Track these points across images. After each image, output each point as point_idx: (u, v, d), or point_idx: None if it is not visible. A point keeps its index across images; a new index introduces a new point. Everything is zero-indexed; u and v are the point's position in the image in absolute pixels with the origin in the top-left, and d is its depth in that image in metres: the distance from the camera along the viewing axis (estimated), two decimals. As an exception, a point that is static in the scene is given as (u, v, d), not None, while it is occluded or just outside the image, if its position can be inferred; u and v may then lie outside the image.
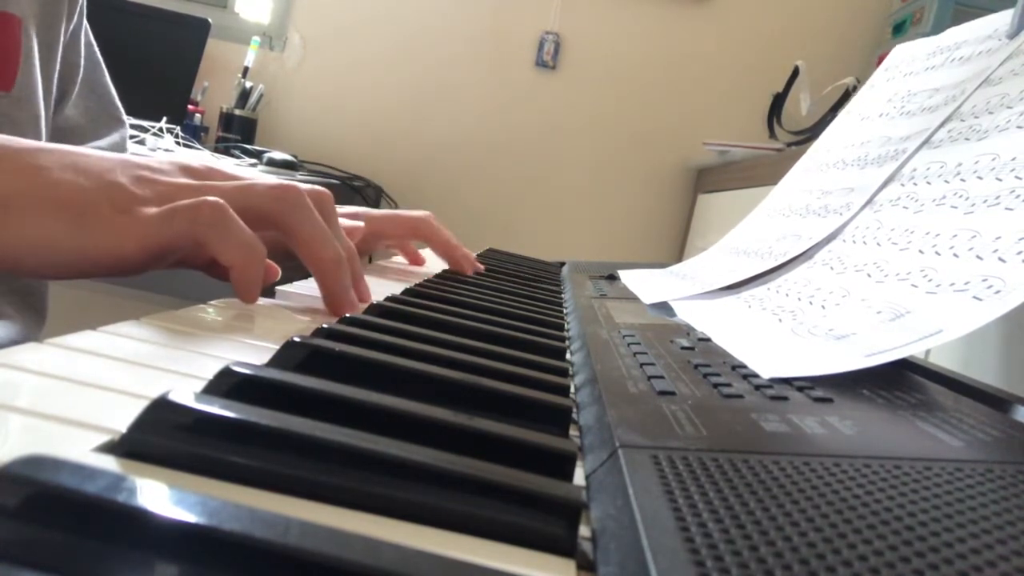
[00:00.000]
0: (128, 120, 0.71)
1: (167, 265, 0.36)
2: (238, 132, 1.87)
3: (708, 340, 0.38)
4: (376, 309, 0.38)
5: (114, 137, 0.67)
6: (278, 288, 0.42)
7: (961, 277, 0.30)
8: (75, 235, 0.32)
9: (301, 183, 0.38)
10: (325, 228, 0.37)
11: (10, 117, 0.53)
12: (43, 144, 0.34)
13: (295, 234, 0.37)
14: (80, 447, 0.17)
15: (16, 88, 0.53)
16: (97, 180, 0.33)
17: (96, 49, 0.66)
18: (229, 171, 0.41)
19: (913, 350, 0.28)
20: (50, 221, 0.32)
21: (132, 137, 1.31)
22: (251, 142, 1.86)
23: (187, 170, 0.38)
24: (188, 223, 0.33)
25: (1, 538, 0.13)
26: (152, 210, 0.33)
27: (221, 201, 0.33)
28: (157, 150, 1.36)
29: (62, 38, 0.59)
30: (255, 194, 0.36)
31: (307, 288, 0.42)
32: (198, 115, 1.88)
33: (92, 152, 0.36)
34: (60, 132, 0.62)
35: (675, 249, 2.04)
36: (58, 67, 0.59)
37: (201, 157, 1.48)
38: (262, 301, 0.38)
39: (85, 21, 0.63)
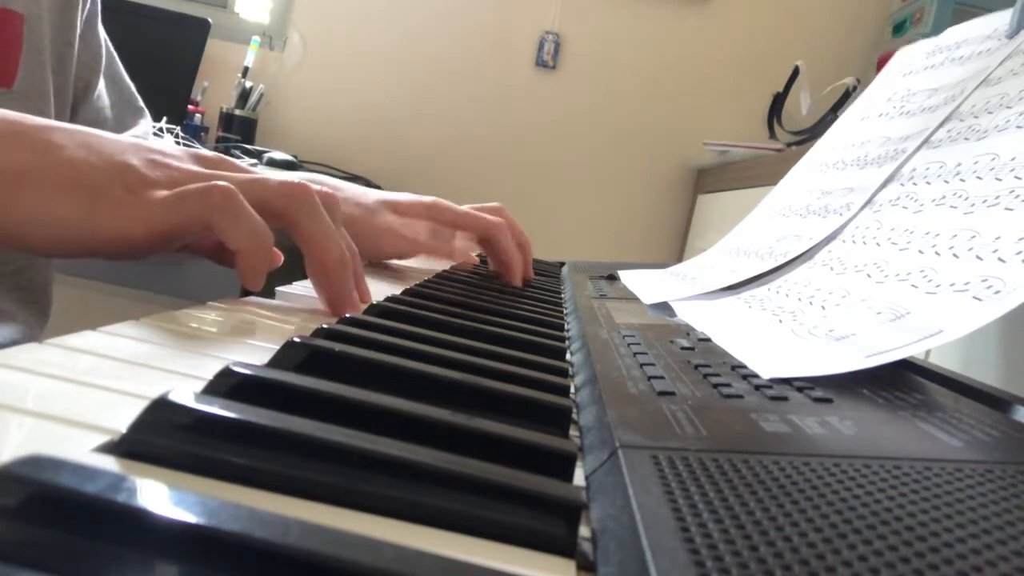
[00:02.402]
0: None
1: (174, 249, 0.35)
2: (238, 132, 1.87)
3: (708, 340, 0.38)
4: (376, 309, 0.38)
5: (137, 129, 0.67)
6: (278, 288, 0.42)
7: (961, 277, 0.30)
8: (85, 214, 0.32)
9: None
10: (332, 227, 0.37)
11: None
12: (57, 123, 0.34)
13: (302, 231, 0.37)
14: (80, 447, 0.17)
15: (18, 84, 0.53)
16: (109, 160, 0.34)
17: (109, 42, 0.66)
18: (240, 165, 0.41)
19: (913, 351, 0.28)
20: (60, 198, 0.32)
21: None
22: (251, 142, 1.86)
23: (199, 159, 0.38)
24: (199, 206, 0.33)
25: (1, 538, 0.13)
26: (163, 193, 0.33)
27: (231, 186, 0.33)
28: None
29: (78, 30, 0.59)
30: (266, 188, 0.36)
31: (307, 288, 0.42)
32: (198, 115, 1.88)
33: (105, 133, 0.36)
34: (90, 125, 0.61)
35: (675, 249, 2.04)
36: (76, 60, 0.59)
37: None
38: (262, 301, 0.38)
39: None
